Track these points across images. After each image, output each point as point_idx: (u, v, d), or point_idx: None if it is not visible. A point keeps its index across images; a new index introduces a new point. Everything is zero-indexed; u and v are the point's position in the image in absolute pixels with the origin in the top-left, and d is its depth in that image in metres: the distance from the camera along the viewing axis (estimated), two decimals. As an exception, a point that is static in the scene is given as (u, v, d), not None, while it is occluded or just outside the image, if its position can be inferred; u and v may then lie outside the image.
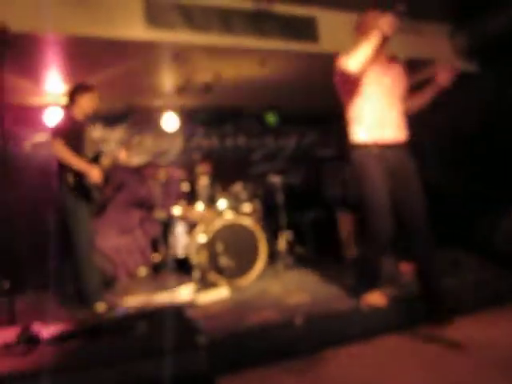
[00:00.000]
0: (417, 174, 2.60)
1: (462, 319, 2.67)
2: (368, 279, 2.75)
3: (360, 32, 2.69)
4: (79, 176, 3.31)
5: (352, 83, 2.62)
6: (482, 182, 4.31)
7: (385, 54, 2.72)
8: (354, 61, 2.46)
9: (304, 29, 4.23)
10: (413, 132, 2.68)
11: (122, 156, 3.67)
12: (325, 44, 4.33)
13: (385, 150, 2.57)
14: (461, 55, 4.96)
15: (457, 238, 3.95)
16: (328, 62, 4.43)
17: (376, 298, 2.71)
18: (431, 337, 2.47)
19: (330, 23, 4.34)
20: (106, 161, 3.58)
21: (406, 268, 3.44)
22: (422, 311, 2.57)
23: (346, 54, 2.54)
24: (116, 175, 3.68)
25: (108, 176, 3.63)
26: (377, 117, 2.59)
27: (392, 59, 2.78)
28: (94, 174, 3.35)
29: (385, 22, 2.43)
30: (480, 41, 4.82)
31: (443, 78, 2.60)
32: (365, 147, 2.59)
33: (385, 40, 2.52)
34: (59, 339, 2.05)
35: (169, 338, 1.76)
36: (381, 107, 2.60)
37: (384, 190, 2.53)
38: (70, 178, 3.29)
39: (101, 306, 3.25)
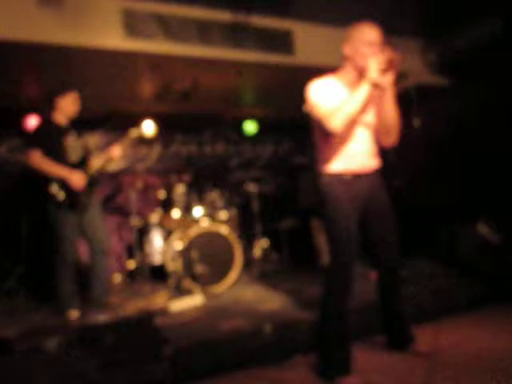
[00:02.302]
0: (389, 202, 2.44)
1: (424, 326, 2.79)
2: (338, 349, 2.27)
3: (347, 48, 2.35)
4: (62, 183, 3.26)
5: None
6: (446, 193, 4.47)
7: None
8: (337, 121, 2.17)
9: (280, 41, 4.33)
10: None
11: (115, 153, 3.54)
12: (301, 57, 4.43)
13: (356, 178, 2.34)
14: (432, 69, 5.14)
15: (421, 247, 4.08)
16: (304, 73, 4.61)
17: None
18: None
19: (306, 36, 4.45)
20: (97, 162, 3.54)
21: (375, 276, 3.53)
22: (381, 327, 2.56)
23: (327, 113, 2.21)
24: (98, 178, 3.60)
25: (97, 179, 3.58)
26: (349, 147, 2.35)
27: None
28: (75, 180, 3.28)
29: (373, 68, 2.12)
30: (450, 56, 5.01)
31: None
32: (336, 175, 2.34)
33: (377, 87, 2.19)
34: (28, 347, 2.07)
35: (135, 348, 1.79)
36: (354, 137, 2.36)
37: (353, 219, 2.31)
38: (54, 187, 3.25)
39: (73, 314, 3.26)
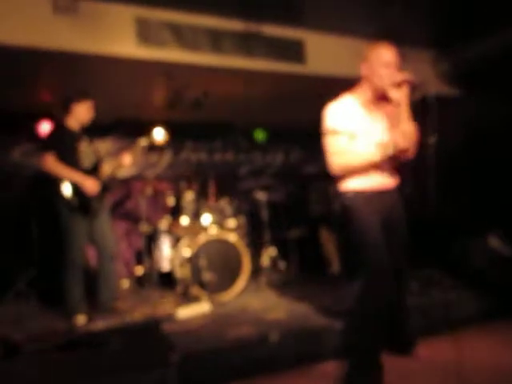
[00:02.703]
0: (404, 220, 2.49)
1: (433, 338, 2.76)
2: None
3: (364, 68, 2.40)
4: (75, 187, 3.29)
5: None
6: (458, 205, 4.43)
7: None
8: (340, 164, 2.31)
9: (292, 51, 4.35)
10: None
11: (126, 160, 3.58)
12: (312, 66, 4.45)
13: (374, 194, 2.38)
14: (444, 80, 5.13)
15: (433, 258, 4.04)
16: (315, 82, 4.62)
17: None
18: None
19: (318, 46, 4.47)
20: (107, 168, 3.58)
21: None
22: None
23: (335, 150, 2.33)
24: (110, 184, 3.63)
25: (108, 185, 3.62)
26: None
27: (385, 100, 2.45)
28: (89, 186, 3.32)
29: (390, 145, 2.25)
30: (462, 66, 4.99)
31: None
32: (354, 192, 2.38)
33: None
34: (36, 351, 2.08)
35: (141, 354, 1.79)
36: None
37: (378, 230, 2.31)
38: (67, 192, 3.28)
39: (81, 319, 3.27)
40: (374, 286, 2.26)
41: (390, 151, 2.26)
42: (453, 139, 4.64)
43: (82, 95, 3.46)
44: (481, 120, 4.76)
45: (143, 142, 3.70)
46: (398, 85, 2.23)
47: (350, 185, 2.39)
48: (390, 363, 2.39)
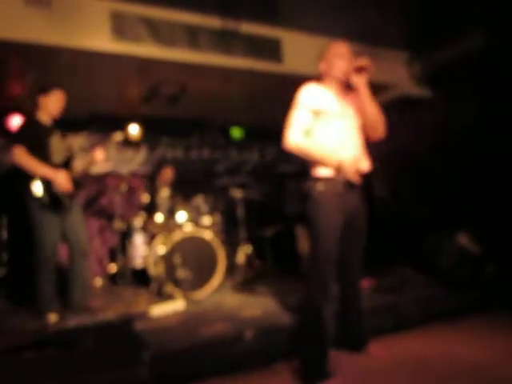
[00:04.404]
0: (366, 216, 2.52)
1: (404, 334, 2.83)
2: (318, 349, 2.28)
3: (323, 65, 2.51)
4: (47, 184, 3.21)
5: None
6: (429, 204, 4.53)
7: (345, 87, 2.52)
8: (294, 140, 2.33)
9: (269, 49, 4.36)
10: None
11: (99, 156, 3.47)
12: (289, 65, 4.47)
13: (346, 188, 2.38)
14: (417, 81, 5.23)
15: (405, 256, 4.13)
16: (291, 81, 4.64)
17: None
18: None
19: (295, 45, 4.50)
20: (79, 164, 3.49)
21: (365, 283, 3.57)
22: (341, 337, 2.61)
23: (293, 124, 2.35)
24: (83, 180, 3.54)
25: (80, 181, 3.54)
26: (340, 152, 2.37)
27: (351, 89, 2.52)
28: (61, 181, 3.24)
29: (347, 169, 2.29)
30: (434, 68, 5.11)
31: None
32: (327, 182, 2.36)
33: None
34: (6, 350, 2.03)
35: (113, 353, 1.77)
36: (344, 142, 2.42)
37: (337, 229, 2.34)
38: (38, 186, 3.20)
39: (52, 317, 3.21)
40: (316, 281, 2.34)
41: (349, 171, 2.30)
42: (425, 139, 4.75)
43: (49, 87, 3.36)
44: (452, 121, 4.88)
45: (117, 137, 3.64)
46: (358, 70, 2.34)
47: (323, 172, 2.38)
48: (346, 361, 2.45)
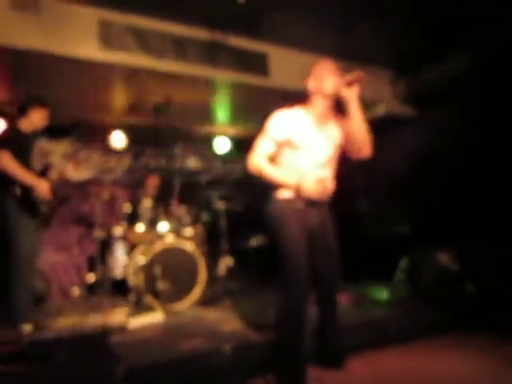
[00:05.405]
0: (335, 234, 2.54)
1: (383, 351, 2.83)
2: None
3: (311, 82, 2.50)
4: (26, 189, 3.20)
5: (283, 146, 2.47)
6: (409, 222, 4.59)
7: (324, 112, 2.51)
8: (255, 164, 2.41)
9: (256, 63, 4.39)
10: (344, 173, 2.74)
11: (70, 170, 3.58)
12: (275, 79, 4.51)
13: (308, 206, 2.41)
14: (401, 100, 5.32)
15: (383, 273, 4.15)
16: (277, 95, 4.67)
17: None
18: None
19: (282, 60, 4.54)
20: (53, 174, 3.49)
21: (344, 299, 3.58)
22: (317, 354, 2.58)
23: (258, 150, 2.43)
24: (62, 187, 3.55)
25: (55, 190, 3.52)
26: (304, 173, 2.41)
27: (331, 115, 2.54)
28: (43, 188, 3.25)
29: (308, 190, 2.33)
30: (418, 87, 5.20)
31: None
32: (288, 201, 2.42)
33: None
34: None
35: (86, 367, 1.74)
36: (309, 163, 2.45)
37: (302, 245, 2.37)
38: (18, 191, 3.17)
39: (27, 328, 3.13)
40: (291, 305, 2.33)
41: (309, 191, 2.33)
42: (407, 158, 4.82)
43: (41, 103, 3.39)
44: (435, 140, 4.96)
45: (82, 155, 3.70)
46: (349, 84, 2.34)
47: (284, 194, 2.43)
48: (326, 377, 2.43)
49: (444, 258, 3.82)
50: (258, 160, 2.43)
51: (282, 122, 2.43)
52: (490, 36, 4.29)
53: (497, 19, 4.06)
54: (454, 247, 3.88)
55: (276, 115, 2.46)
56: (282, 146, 2.45)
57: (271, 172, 2.41)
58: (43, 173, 3.41)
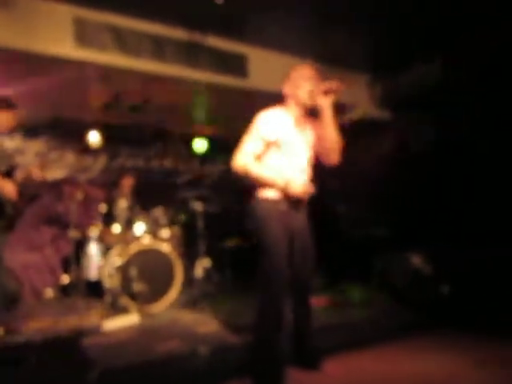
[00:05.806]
0: (312, 237, 2.57)
1: (358, 352, 2.87)
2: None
3: (287, 88, 2.54)
4: None
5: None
6: (383, 223, 4.66)
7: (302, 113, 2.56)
8: (240, 167, 2.41)
9: (235, 64, 4.40)
10: (321, 176, 2.77)
11: (36, 172, 3.47)
12: (254, 80, 4.52)
13: (290, 208, 2.44)
14: (377, 103, 5.40)
15: (357, 274, 4.21)
16: (256, 97, 4.68)
17: None
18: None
19: (261, 62, 4.55)
20: (20, 175, 3.41)
21: (320, 301, 3.61)
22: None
23: (244, 150, 2.43)
24: (30, 187, 3.47)
25: (21, 191, 3.45)
26: (287, 175, 2.44)
27: (308, 116, 2.60)
28: (8, 189, 3.17)
29: (294, 189, 2.37)
30: (394, 91, 5.29)
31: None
32: (272, 202, 2.43)
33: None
34: None
35: (58, 371, 1.71)
36: (291, 165, 2.49)
37: (284, 246, 2.39)
38: None
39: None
40: (269, 302, 2.35)
41: (295, 191, 2.37)
42: (382, 161, 4.89)
43: (7, 104, 3.26)
44: (410, 143, 5.05)
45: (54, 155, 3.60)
46: (325, 93, 2.36)
47: (268, 194, 2.45)
48: (303, 379, 2.46)
49: (417, 259, 3.89)
50: (246, 159, 2.41)
51: (272, 122, 2.45)
52: (464, 40, 4.38)
53: (470, 24, 4.16)
54: (427, 249, 3.95)
55: (264, 115, 2.47)
56: (269, 146, 2.45)
57: (259, 172, 2.41)
58: (8, 173, 3.33)
